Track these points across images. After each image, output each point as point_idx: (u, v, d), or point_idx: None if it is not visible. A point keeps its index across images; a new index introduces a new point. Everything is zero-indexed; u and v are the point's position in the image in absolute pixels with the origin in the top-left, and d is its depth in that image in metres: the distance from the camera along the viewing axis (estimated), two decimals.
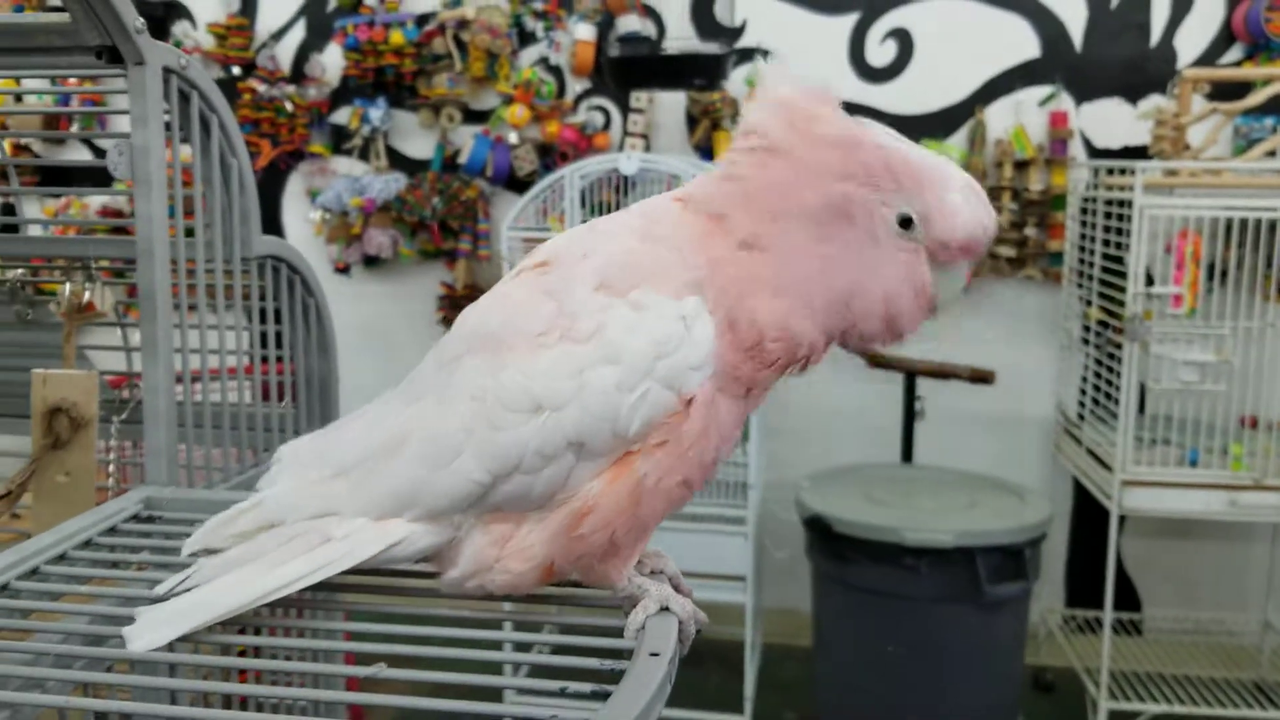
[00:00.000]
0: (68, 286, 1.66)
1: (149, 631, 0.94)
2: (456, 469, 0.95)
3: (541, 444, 0.93)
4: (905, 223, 0.95)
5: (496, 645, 0.94)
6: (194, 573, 1.01)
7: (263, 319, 1.74)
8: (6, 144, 4.61)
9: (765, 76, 0.98)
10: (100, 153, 1.38)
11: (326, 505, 1.00)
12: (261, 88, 4.72)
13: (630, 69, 4.39)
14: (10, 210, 4.72)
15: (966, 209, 0.95)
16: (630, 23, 4.51)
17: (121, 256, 1.68)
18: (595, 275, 0.97)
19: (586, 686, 0.85)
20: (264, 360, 1.77)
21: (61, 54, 1.39)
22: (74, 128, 4.73)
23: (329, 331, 1.83)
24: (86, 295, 1.66)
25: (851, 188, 0.94)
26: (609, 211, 3.81)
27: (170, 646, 0.98)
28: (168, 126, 1.43)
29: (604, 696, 0.82)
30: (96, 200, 4.83)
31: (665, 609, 0.96)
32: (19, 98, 4.60)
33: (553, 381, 0.94)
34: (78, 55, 1.37)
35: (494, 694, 0.85)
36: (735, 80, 4.45)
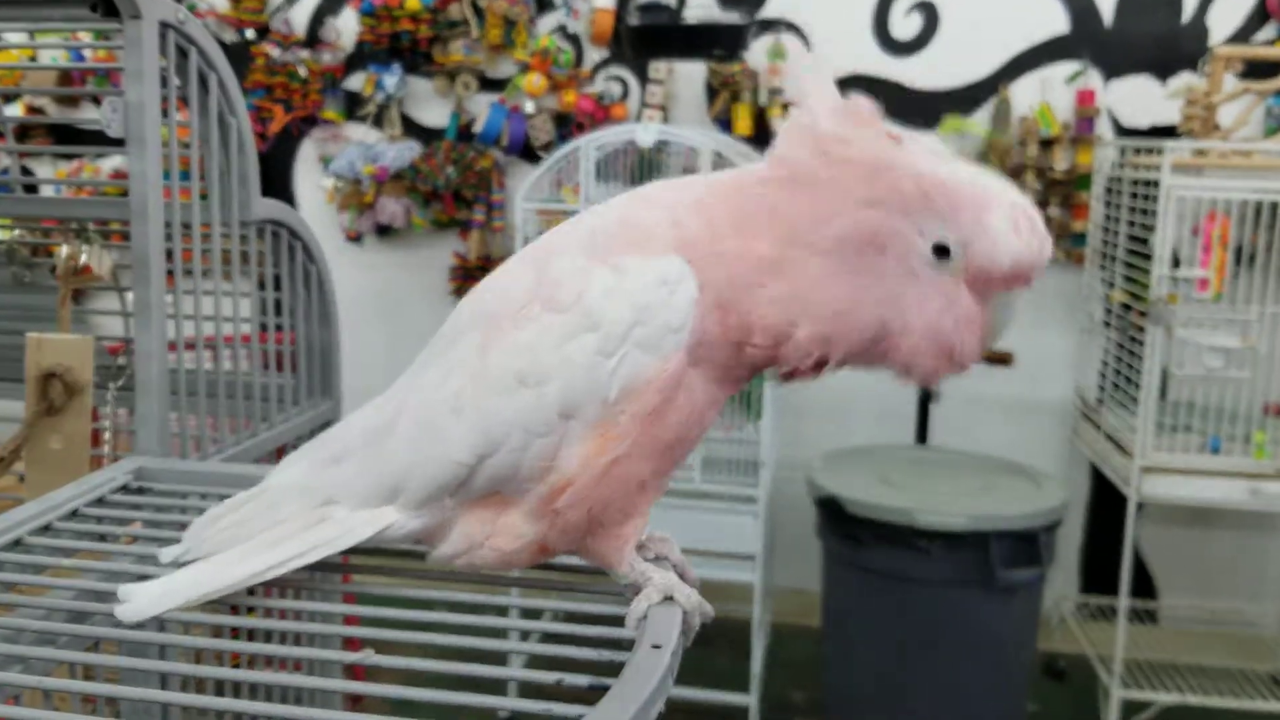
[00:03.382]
0: (64, 249, 1.62)
1: (139, 604, 0.92)
2: (442, 452, 0.93)
3: (528, 420, 0.90)
4: (941, 251, 0.88)
5: (495, 633, 0.91)
6: (196, 546, 1.00)
7: (262, 285, 1.70)
8: (20, 105, 4.61)
9: (804, 93, 0.92)
10: None
11: (324, 494, 0.99)
12: (275, 52, 4.68)
13: (649, 38, 4.34)
14: (23, 172, 4.72)
15: (1011, 236, 0.87)
16: None
17: (116, 218, 1.64)
18: (580, 242, 0.95)
19: (584, 679, 0.81)
20: (263, 328, 1.73)
21: (56, 6, 1.35)
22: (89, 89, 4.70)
23: (331, 300, 1.79)
24: (83, 258, 1.62)
25: (881, 214, 0.88)
26: (625, 184, 3.79)
27: (160, 626, 0.95)
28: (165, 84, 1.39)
29: (602, 689, 0.78)
30: (109, 163, 4.79)
31: (669, 599, 0.92)
32: (34, 56, 4.59)
33: (536, 355, 0.91)
34: (73, 8, 1.33)
35: (489, 684, 0.80)
36: (756, 51, 4.39)
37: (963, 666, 3.37)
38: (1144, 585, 4.44)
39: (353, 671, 0.90)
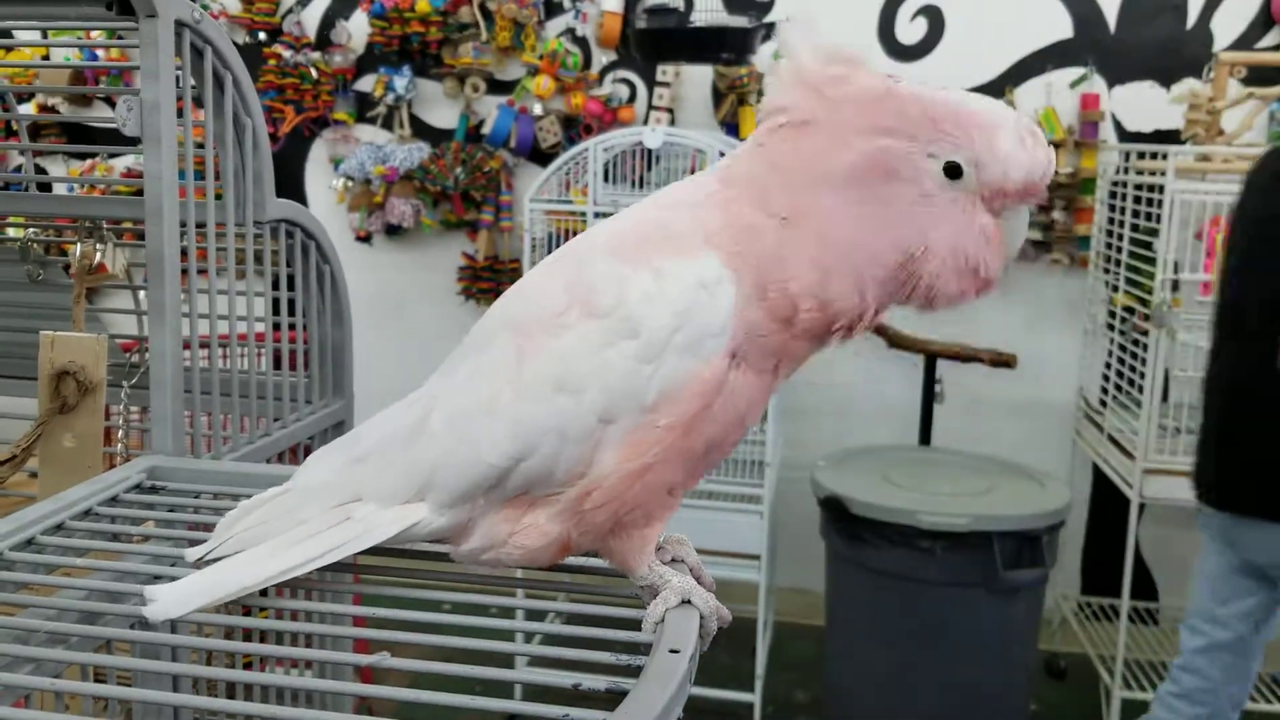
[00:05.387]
0: (78, 247, 1.63)
1: (165, 604, 0.91)
2: (476, 453, 0.92)
3: (565, 426, 0.89)
4: (953, 171, 0.88)
5: (508, 635, 0.90)
6: (222, 544, 0.99)
7: (275, 285, 1.70)
8: (33, 103, 4.61)
9: (788, 44, 0.92)
10: None
11: (350, 492, 0.98)
12: (286, 53, 4.69)
13: (657, 42, 4.34)
14: (36, 170, 4.72)
15: (1020, 151, 0.88)
16: None
17: (130, 217, 1.64)
18: (611, 245, 0.94)
19: (601, 683, 0.81)
20: (276, 327, 1.73)
21: (72, 4, 1.35)
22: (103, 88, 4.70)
23: (344, 299, 1.79)
24: (98, 257, 1.63)
25: (888, 141, 0.88)
26: (632, 185, 3.80)
27: (173, 628, 0.95)
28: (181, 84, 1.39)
29: (620, 694, 0.78)
30: (122, 162, 4.79)
31: (687, 602, 0.92)
32: (47, 55, 4.59)
33: (574, 362, 0.90)
34: (88, 6, 1.33)
35: (505, 687, 0.80)
36: (763, 55, 4.39)
37: (965, 666, 3.37)
38: (1145, 586, 4.44)
39: (362, 673, 0.90)
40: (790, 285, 0.89)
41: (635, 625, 0.91)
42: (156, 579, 0.96)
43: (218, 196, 1.49)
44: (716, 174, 0.96)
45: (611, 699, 0.78)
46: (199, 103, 1.47)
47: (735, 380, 0.91)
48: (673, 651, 0.83)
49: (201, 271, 1.47)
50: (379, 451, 0.98)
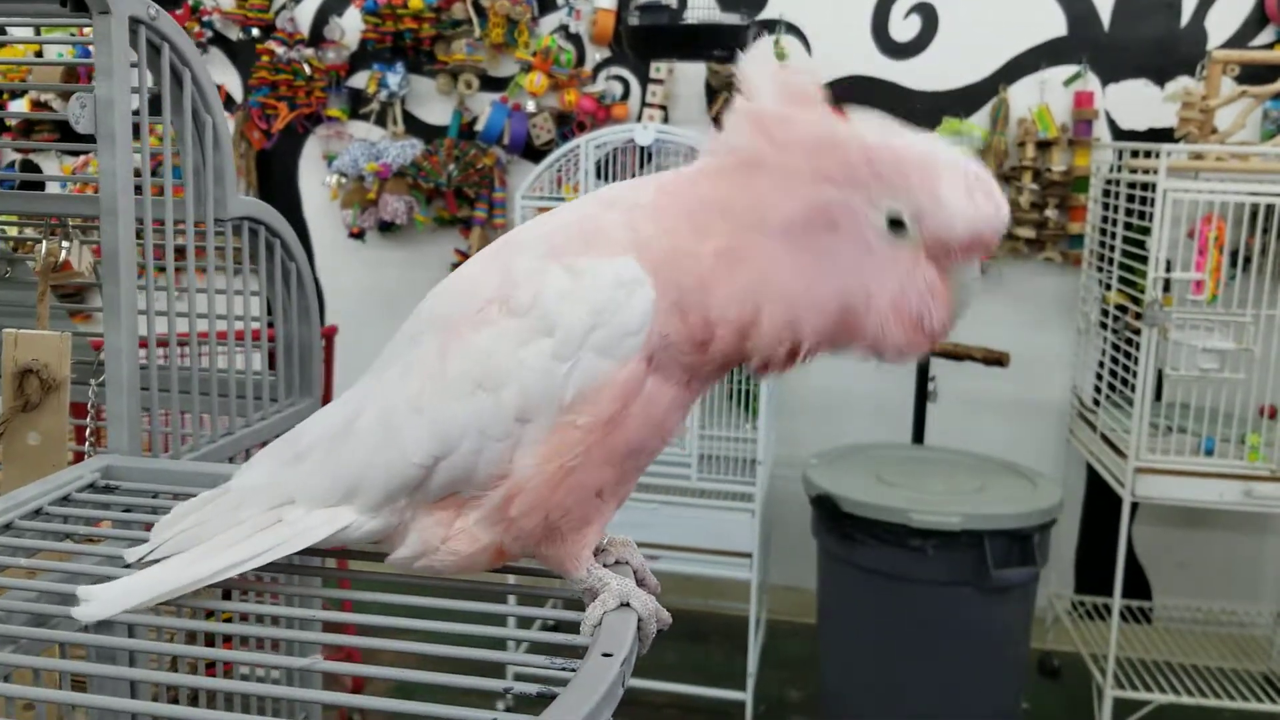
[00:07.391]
0: (44, 245, 1.62)
1: (98, 605, 0.91)
2: (399, 453, 0.92)
3: (484, 424, 0.89)
4: (895, 223, 0.86)
5: (446, 638, 0.89)
6: (159, 545, 0.99)
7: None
8: (26, 101, 4.61)
9: (747, 77, 0.90)
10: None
11: (284, 494, 0.98)
12: (280, 50, 4.68)
13: (650, 38, 4.33)
14: (26, 167, 4.71)
15: (965, 204, 0.86)
16: None
17: (91, 214, 1.63)
18: (539, 241, 0.94)
19: (533, 688, 0.80)
20: (240, 325, 1.71)
21: (27, 1, 1.34)
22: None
23: (310, 296, 1.77)
24: (63, 254, 1.62)
25: (830, 191, 0.86)
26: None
27: (130, 631, 0.94)
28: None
29: (550, 697, 0.77)
30: None
31: (625, 605, 0.91)
32: (39, 52, 4.59)
33: (493, 360, 0.89)
34: (43, 3, 1.32)
35: (438, 690, 0.79)
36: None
37: (957, 665, 3.36)
38: (1138, 585, 4.43)
39: (354, 680, 0.89)
40: (713, 313, 0.88)
41: (576, 628, 0.90)
42: (108, 580, 0.95)
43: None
44: (659, 184, 0.95)
45: (542, 702, 0.77)
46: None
47: (652, 386, 0.90)
48: (605, 656, 0.82)
49: (160, 269, 1.46)
50: (312, 452, 0.98)
